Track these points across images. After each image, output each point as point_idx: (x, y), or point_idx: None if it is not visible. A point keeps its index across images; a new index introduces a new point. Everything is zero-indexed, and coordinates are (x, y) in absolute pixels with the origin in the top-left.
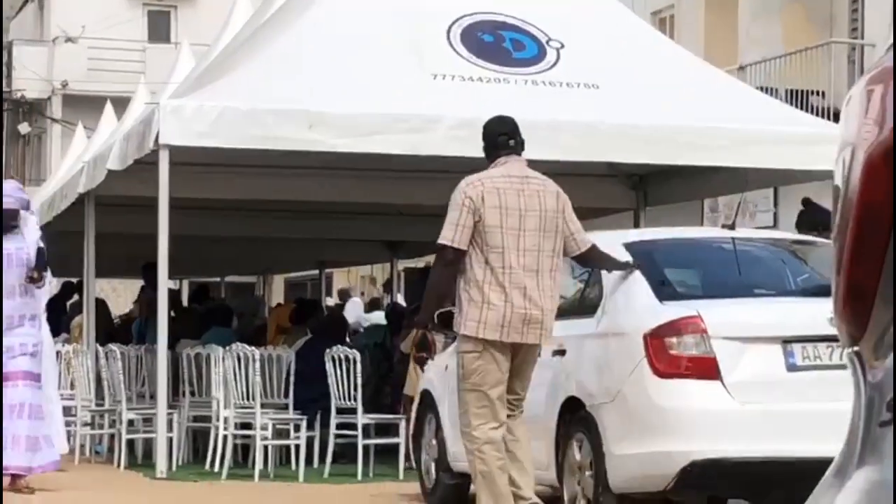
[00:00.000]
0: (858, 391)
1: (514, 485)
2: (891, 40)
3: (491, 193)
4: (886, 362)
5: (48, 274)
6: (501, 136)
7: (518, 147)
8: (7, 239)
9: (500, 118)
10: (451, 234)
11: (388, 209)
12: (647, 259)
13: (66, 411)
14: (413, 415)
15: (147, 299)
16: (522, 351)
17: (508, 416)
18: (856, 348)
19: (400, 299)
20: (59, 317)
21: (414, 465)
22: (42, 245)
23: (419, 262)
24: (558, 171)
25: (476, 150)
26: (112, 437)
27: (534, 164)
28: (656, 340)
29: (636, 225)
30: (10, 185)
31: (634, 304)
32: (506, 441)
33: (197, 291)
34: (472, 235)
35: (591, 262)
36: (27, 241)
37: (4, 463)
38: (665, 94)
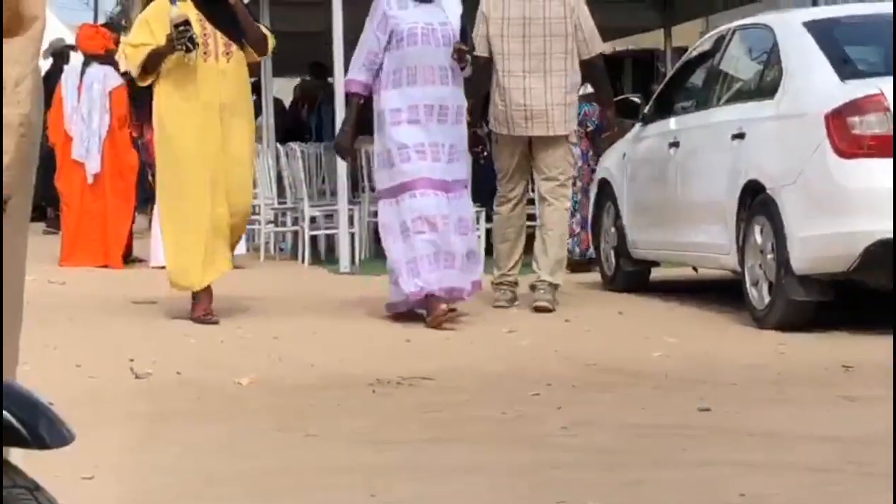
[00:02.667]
0: None
1: (536, 264)
2: None
3: (497, 5)
4: None
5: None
6: None
7: None
8: (423, 10)
9: None
10: (475, 44)
11: None
12: (827, 37)
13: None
14: (592, 203)
15: (305, 90)
16: (539, 143)
17: (545, 202)
18: None
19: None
20: None
21: (594, 252)
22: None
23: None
24: None
25: None
26: (295, 234)
27: None
28: (838, 120)
29: (815, 3)
30: None
31: (815, 84)
32: (540, 224)
33: None
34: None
35: (591, 77)
36: (447, 12)
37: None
38: None
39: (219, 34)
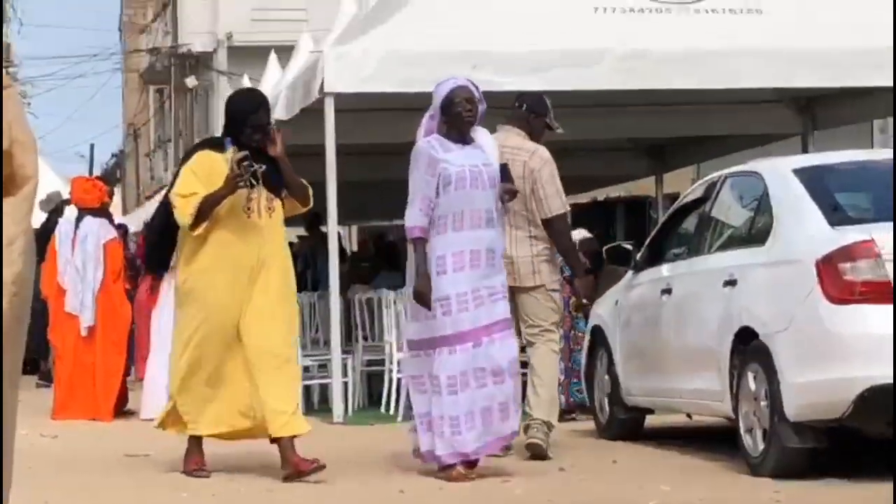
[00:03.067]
0: None
1: (528, 405)
2: None
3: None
4: None
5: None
6: (515, 102)
7: (520, 112)
8: (466, 152)
9: (522, 91)
10: None
11: (552, 145)
12: (817, 184)
13: None
14: (585, 352)
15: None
16: (518, 293)
17: (532, 347)
18: None
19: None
20: None
21: (587, 401)
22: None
23: (584, 197)
24: (723, 100)
25: (641, 82)
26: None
27: (699, 94)
28: (829, 266)
29: (805, 150)
30: None
31: (806, 231)
32: (529, 369)
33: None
34: None
35: (551, 235)
36: (487, 152)
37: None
38: (830, 16)
39: (263, 190)
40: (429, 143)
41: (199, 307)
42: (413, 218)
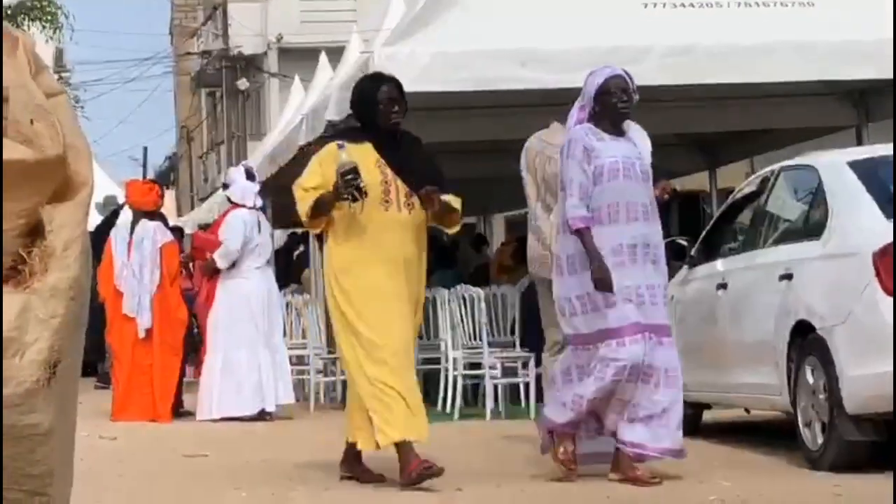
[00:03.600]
0: None
1: None
2: None
3: (524, 151)
4: None
5: None
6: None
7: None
8: (618, 144)
9: None
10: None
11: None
12: (872, 176)
13: (300, 360)
14: None
15: None
16: None
17: None
18: None
19: None
20: (287, 268)
21: None
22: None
23: None
24: (775, 94)
25: (690, 77)
26: (345, 383)
27: (750, 88)
28: (885, 258)
29: (859, 142)
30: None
31: (862, 224)
32: None
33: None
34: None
35: None
36: (639, 146)
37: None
38: (882, 6)
39: (400, 182)
40: (584, 131)
41: (361, 306)
42: (573, 207)
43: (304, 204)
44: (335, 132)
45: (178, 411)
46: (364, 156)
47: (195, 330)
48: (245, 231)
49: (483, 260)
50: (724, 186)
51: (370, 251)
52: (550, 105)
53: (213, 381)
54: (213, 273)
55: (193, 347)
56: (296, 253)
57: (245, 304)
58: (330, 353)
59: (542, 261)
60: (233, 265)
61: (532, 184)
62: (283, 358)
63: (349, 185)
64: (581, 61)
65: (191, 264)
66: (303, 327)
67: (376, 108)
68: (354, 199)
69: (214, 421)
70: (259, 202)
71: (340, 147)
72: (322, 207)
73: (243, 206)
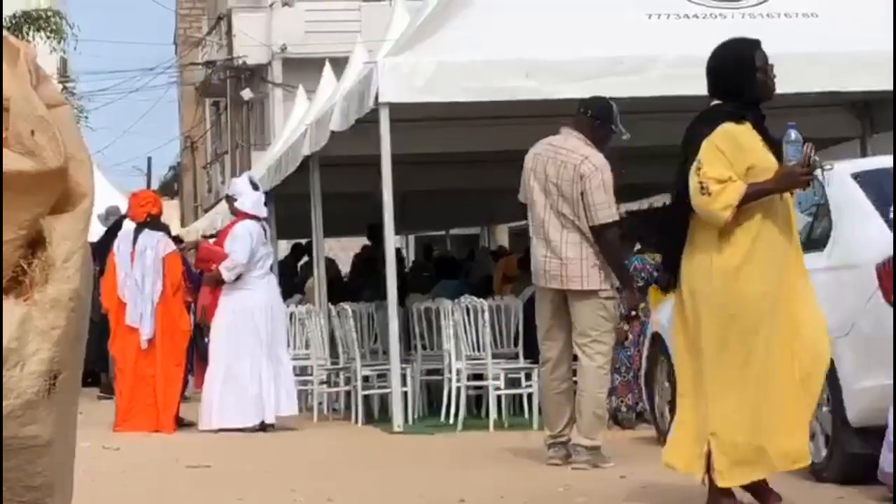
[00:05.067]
0: None
1: (576, 424)
2: None
3: (529, 159)
4: None
5: None
6: (580, 107)
7: (583, 117)
8: None
9: (591, 97)
10: (520, 189)
11: (612, 152)
12: (876, 188)
13: (303, 371)
14: (644, 358)
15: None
16: (570, 297)
17: (579, 360)
18: None
19: None
20: (291, 278)
21: (647, 408)
22: None
23: (642, 204)
24: (779, 105)
25: (694, 88)
26: (348, 394)
27: None
28: (889, 271)
29: (863, 154)
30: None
31: (865, 236)
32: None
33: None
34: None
35: (598, 244)
36: None
37: None
38: (886, 18)
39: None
40: None
41: (761, 311)
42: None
43: (725, 197)
44: (713, 109)
45: (182, 422)
46: (752, 138)
47: (206, 339)
48: (252, 243)
49: (490, 270)
50: None
51: (774, 247)
52: (555, 115)
53: (215, 392)
54: (218, 284)
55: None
56: (300, 263)
57: (248, 314)
58: (333, 363)
59: (552, 272)
60: (237, 276)
61: (540, 191)
62: (287, 369)
63: (815, 167)
64: (585, 72)
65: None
66: (306, 338)
67: (754, 77)
68: (807, 185)
69: (217, 432)
70: (265, 212)
71: (791, 127)
72: (748, 201)
73: (254, 216)
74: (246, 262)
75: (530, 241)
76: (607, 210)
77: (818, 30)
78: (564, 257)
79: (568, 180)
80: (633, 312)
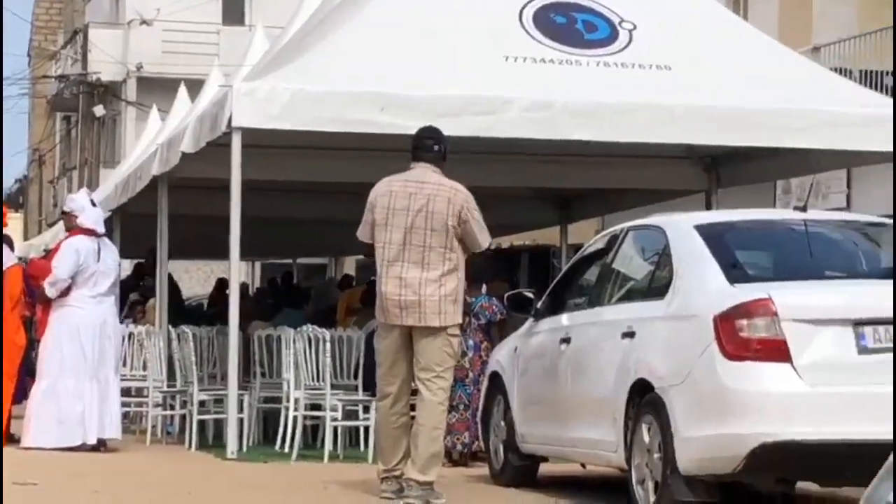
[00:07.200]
0: None
1: (410, 459)
2: None
3: (384, 195)
4: None
5: None
6: (428, 140)
7: (438, 153)
8: None
9: (430, 127)
10: (360, 228)
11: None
12: (718, 240)
13: (139, 392)
14: (482, 396)
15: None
16: (417, 333)
17: (419, 394)
18: None
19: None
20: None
21: (482, 446)
22: None
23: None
24: (630, 153)
25: (548, 132)
26: (183, 417)
27: (606, 146)
28: (727, 322)
29: (708, 207)
30: None
31: (705, 287)
32: (416, 417)
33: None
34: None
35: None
36: None
37: None
38: (738, 76)
39: None
40: None
41: None
42: None
43: None
44: None
45: (13, 437)
46: None
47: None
48: (79, 259)
49: (333, 301)
50: (575, 242)
51: None
52: (407, 150)
53: (35, 409)
54: (47, 300)
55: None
56: (141, 283)
57: (74, 332)
58: (170, 386)
59: (378, 304)
60: (66, 293)
61: (399, 227)
62: (115, 392)
63: None
64: (440, 109)
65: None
66: (144, 359)
67: None
68: None
69: (46, 449)
70: (102, 229)
71: None
72: None
73: (92, 231)
74: (67, 277)
75: (378, 276)
76: (486, 234)
77: (671, 82)
78: (422, 294)
79: (441, 212)
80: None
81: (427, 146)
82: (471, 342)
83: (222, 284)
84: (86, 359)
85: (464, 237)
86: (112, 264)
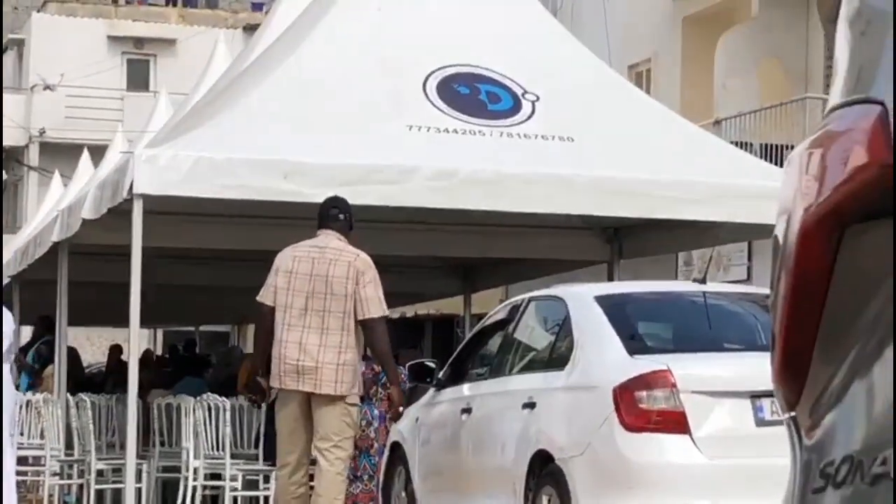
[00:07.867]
0: (795, 457)
1: None
2: (834, 100)
3: (288, 260)
4: (824, 422)
5: None
6: (333, 209)
7: (343, 222)
8: None
9: (335, 196)
10: (262, 291)
11: None
12: (618, 312)
13: (36, 461)
14: (383, 466)
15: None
16: (315, 401)
17: (318, 464)
18: (793, 413)
19: None
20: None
21: None
22: None
23: (393, 313)
24: (533, 224)
25: (451, 201)
26: (81, 487)
27: (510, 216)
28: (626, 394)
29: (610, 278)
30: None
31: (605, 358)
32: (314, 487)
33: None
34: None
35: (368, 340)
36: None
37: None
38: (640, 148)
39: None
40: None
41: None
42: None
43: None
44: None
45: None
46: None
47: None
48: None
49: (234, 369)
50: (479, 311)
51: None
52: (312, 218)
53: None
54: None
55: None
56: (39, 342)
57: None
58: (68, 454)
59: (274, 370)
60: None
61: (301, 292)
62: (10, 463)
63: None
64: (344, 178)
65: None
66: (42, 427)
67: None
68: None
69: None
70: None
71: None
72: None
73: None
74: None
75: (276, 340)
76: (379, 304)
77: (574, 153)
78: (320, 361)
79: (341, 277)
80: (401, 410)
81: (332, 215)
82: (376, 412)
83: (116, 351)
84: None
85: (356, 302)
86: (7, 331)
